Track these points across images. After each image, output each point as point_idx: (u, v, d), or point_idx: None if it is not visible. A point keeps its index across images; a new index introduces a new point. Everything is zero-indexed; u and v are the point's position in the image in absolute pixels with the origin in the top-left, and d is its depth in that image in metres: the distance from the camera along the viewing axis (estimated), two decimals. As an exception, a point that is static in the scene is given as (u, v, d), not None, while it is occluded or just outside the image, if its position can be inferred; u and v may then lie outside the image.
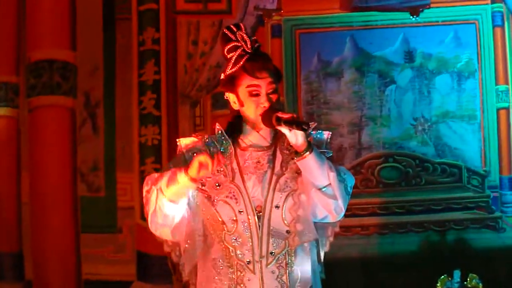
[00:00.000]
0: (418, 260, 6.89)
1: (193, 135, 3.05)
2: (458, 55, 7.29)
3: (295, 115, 2.79)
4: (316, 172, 2.84)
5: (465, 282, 5.98)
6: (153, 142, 6.83)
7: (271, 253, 2.91)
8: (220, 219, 2.92)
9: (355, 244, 6.97)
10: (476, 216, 7.08)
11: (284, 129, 2.81)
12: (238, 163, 2.96)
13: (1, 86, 6.88)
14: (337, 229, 3.03)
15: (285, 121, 2.79)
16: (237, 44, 2.95)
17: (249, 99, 2.92)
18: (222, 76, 3.01)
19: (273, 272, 2.91)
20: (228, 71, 2.96)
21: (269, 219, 2.91)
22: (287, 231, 2.91)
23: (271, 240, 2.91)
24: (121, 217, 7.04)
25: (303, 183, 2.89)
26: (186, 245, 2.93)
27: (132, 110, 6.92)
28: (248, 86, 2.91)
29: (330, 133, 3.07)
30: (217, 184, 2.93)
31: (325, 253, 3.07)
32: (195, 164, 2.75)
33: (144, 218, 6.86)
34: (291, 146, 2.88)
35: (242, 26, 3.00)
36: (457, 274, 5.93)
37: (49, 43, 6.72)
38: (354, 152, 7.32)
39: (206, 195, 2.93)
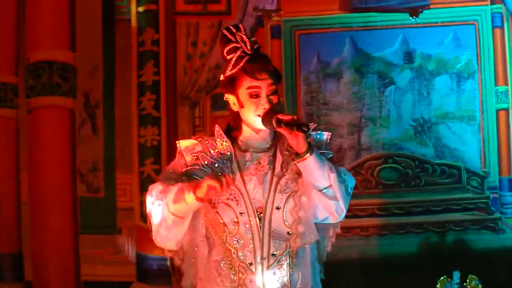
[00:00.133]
0: (418, 261, 6.89)
1: (192, 137, 3.04)
2: (457, 56, 7.30)
3: (295, 117, 2.79)
4: (317, 173, 2.84)
5: (465, 283, 5.97)
6: (152, 143, 6.82)
7: (273, 254, 2.91)
8: (221, 221, 2.92)
9: (354, 245, 6.98)
10: (476, 217, 7.09)
11: (284, 131, 2.81)
12: (238, 165, 2.95)
13: (0, 87, 6.87)
14: (338, 230, 3.03)
15: (285, 123, 2.78)
16: (236, 45, 2.94)
17: (249, 100, 2.91)
18: (222, 77, 3.00)
19: (274, 274, 2.91)
20: (228, 72, 2.95)
21: (270, 221, 2.91)
22: (288, 233, 2.91)
23: (272, 242, 2.90)
24: (120, 218, 7.04)
25: (304, 185, 2.89)
26: (189, 250, 2.94)
27: (132, 111, 6.92)
28: (248, 88, 2.91)
29: (330, 134, 3.07)
30: (218, 186, 2.93)
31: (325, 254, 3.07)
32: (204, 187, 2.75)
33: (143, 219, 6.87)
34: (291, 147, 2.88)
35: (242, 27, 3.00)
36: (456, 275, 5.92)
37: (49, 44, 6.71)
38: (353, 153, 7.32)
39: (206, 197, 2.93)
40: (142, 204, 6.72)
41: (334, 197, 2.87)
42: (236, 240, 2.90)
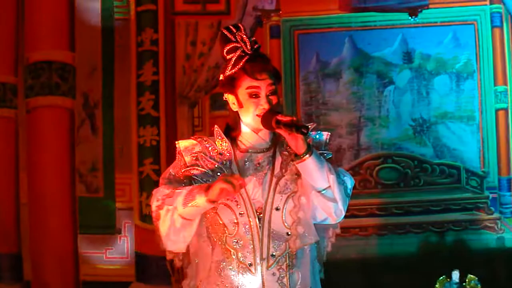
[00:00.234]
0: (417, 261, 6.89)
1: (192, 137, 3.03)
2: (456, 56, 7.29)
3: (294, 118, 2.78)
4: (316, 174, 2.83)
5: (464, 283, 5.98)
6: (151, 143, 6.82)
7: (272, 255, 2.90)
8: (221, 222, 2.91)
9: (354, 245, 6.97)
10: (475, 217, 7.09)
11: (283, 132, 2.81)
12: (237, 165, 2.95)
13: (-1, 87, 6.88)
14: (338, 230, 3.03)
15: (284, 124, 2.78)
16: (236, 45, 2.94)
17: (248, 100, 2.91)
18: (221, 77, 2.99)
19: (273, 274, 2.90)
20: (228, 72, 2.95)
21: (269, 221, 2.90)
22: (288, 233, 2.91)
23: (271, 242, 2.90)
24: (119, 218, 7.04)
25: (303, 186, 2.89)
26: (195, 250, 2.94)
27: (131, 111, 6.92)
28: (248, 88, 2.91)
29: (330, 133, 3.06)
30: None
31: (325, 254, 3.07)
32: (216, 189, 2.74)
33: (142, 219, 6.86)
34: (290, 147, 2.87)
35: (242, 27, 2.99)
36: (455, 275, 5.92)
37: (48, 44, 6.71)
38: (352, 152, 7.32)
39: (206, 198, 2.92)
40: (141, 204, 6.72)
41: (333, 199, 2.86)
42: (236, 241, 2.90)
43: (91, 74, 7.10)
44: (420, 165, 7.22)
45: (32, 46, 6.75)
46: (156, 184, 3.07)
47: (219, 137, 2.98)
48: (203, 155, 2.95)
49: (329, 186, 2.84)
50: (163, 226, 2.86)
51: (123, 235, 7.04)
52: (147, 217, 6.65)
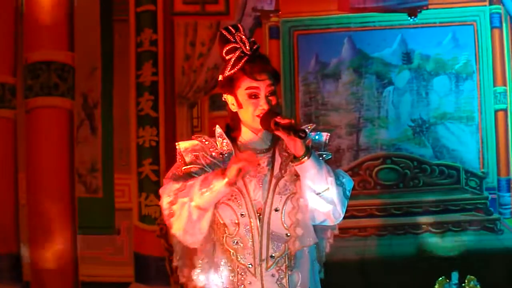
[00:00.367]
0: (416, 261, 6.88)
1: (192, 137, 3.03)
2: (456, 57, 7.28)
3: (293, 121, 2.77)
4: (314, 176, 2.82)
5: (463, 284, 5.98)
6: (150, 144, 6.82)
7: (271, 256, 2.90)
8: (221, 222, 2.91)
9: (352, 246, 6.96)
10: (474, 218, 7.08)
11: (282, 134, 2.80)
12: (238, 166, 2.94)
13: (-2, 87, 6.88)
14: (336, 232, 3.03)
15: (283, 126, 2.78)
16: (236, 45, 2.94)
17: (248, 101, 2.91)
18: (221, 78, 2.99)
19: (273, 276, 2.90)
20: (227, 72, 2.95)
21: (268, 222, 2.90)
22: (287, 235, 2.90)
23: (271, 243, 2.89)
24: (118, 218, 7.03)
25: (301, 187, 2.88)
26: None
27: (130, 111, 6.92)
28: (247, 88, 2.90)
29: (329, 134, 3.06)
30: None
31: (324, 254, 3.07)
32: (233, 169, 2.73)
33: (142, 219, 6.85)
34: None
35: (241, 28, 2.99)
36: (455, 276, 5.92)
37: (47, 44, 6.71)
38: (351, 153, 7.31)
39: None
40: (140, 204, 6.72)
41: (331, 201, 2.85)
42: (235, 241, 2.89)
43: (90, 74, 7.10)
44: (419, 166, 7.21)
45: (31, 46, 6.75)
46: (156, 185, 3.07)
47: (220, 137, 2.98)
48: (204, 154, 2.95)
49: (328, 188, 2.84)
50: (180, 221, 2.84)
51: (122, 235, 7.03)
52: (146, 218, 6.65)
